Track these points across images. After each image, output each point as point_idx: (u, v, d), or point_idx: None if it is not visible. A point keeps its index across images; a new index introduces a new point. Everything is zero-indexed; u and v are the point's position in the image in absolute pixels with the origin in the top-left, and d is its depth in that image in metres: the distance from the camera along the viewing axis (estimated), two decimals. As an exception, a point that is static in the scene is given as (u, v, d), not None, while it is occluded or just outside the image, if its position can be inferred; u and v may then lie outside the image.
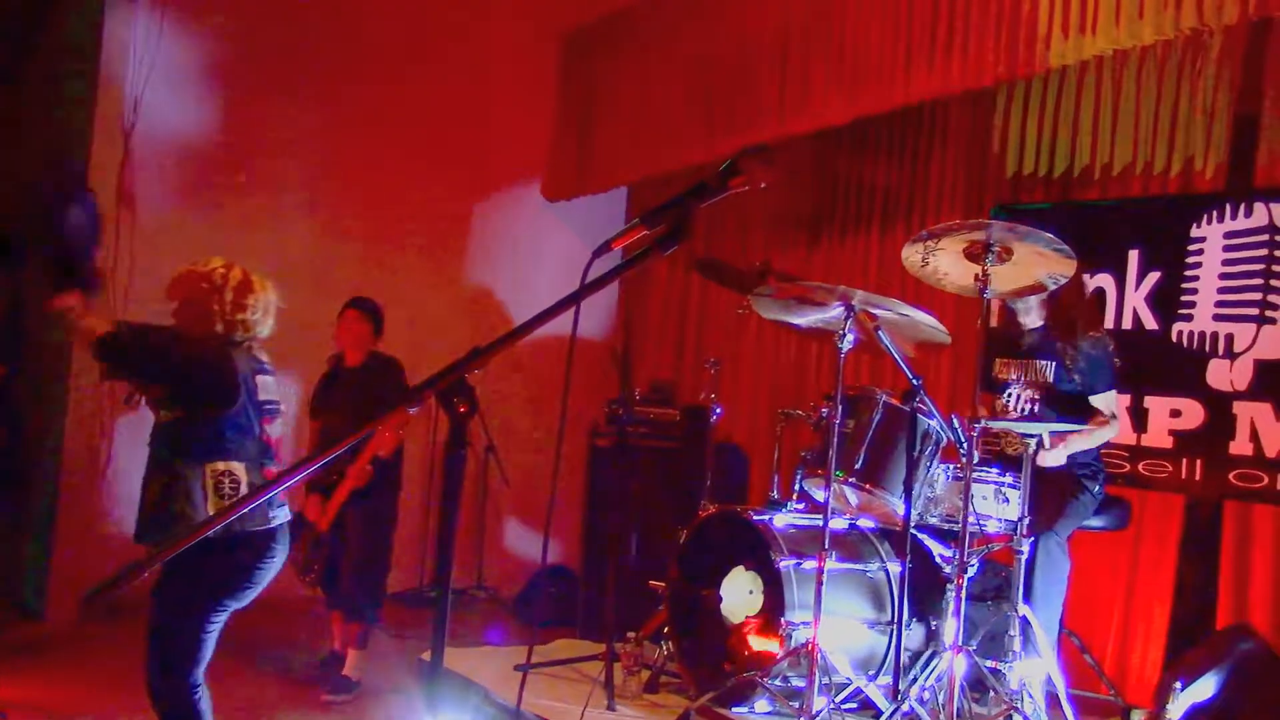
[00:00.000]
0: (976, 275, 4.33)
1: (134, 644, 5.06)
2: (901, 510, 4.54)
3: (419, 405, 3.77)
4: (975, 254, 4.34)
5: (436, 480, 8.34)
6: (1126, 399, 5.49)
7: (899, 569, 4.65)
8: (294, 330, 7.63)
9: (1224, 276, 5.45)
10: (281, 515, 3.93)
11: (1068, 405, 4.91)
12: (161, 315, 5.67)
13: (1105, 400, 4.94)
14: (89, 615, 6.65)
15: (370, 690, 5.56)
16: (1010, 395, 5.00)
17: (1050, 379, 4.91)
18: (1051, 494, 4.82)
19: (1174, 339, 5.58)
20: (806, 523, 4.90)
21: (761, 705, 4.69)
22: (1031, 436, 4.44)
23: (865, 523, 5.05)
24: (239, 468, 3.86)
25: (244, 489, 3.83)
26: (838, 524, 4.86)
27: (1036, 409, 4.96)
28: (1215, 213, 5.49)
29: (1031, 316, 5.03)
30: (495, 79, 8.61)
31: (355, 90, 8.13)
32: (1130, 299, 5.76)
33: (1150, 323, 5.68)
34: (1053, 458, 4.74)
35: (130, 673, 5.70)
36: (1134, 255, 5.77)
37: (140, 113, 7.38)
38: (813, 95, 6.44)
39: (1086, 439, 4.86)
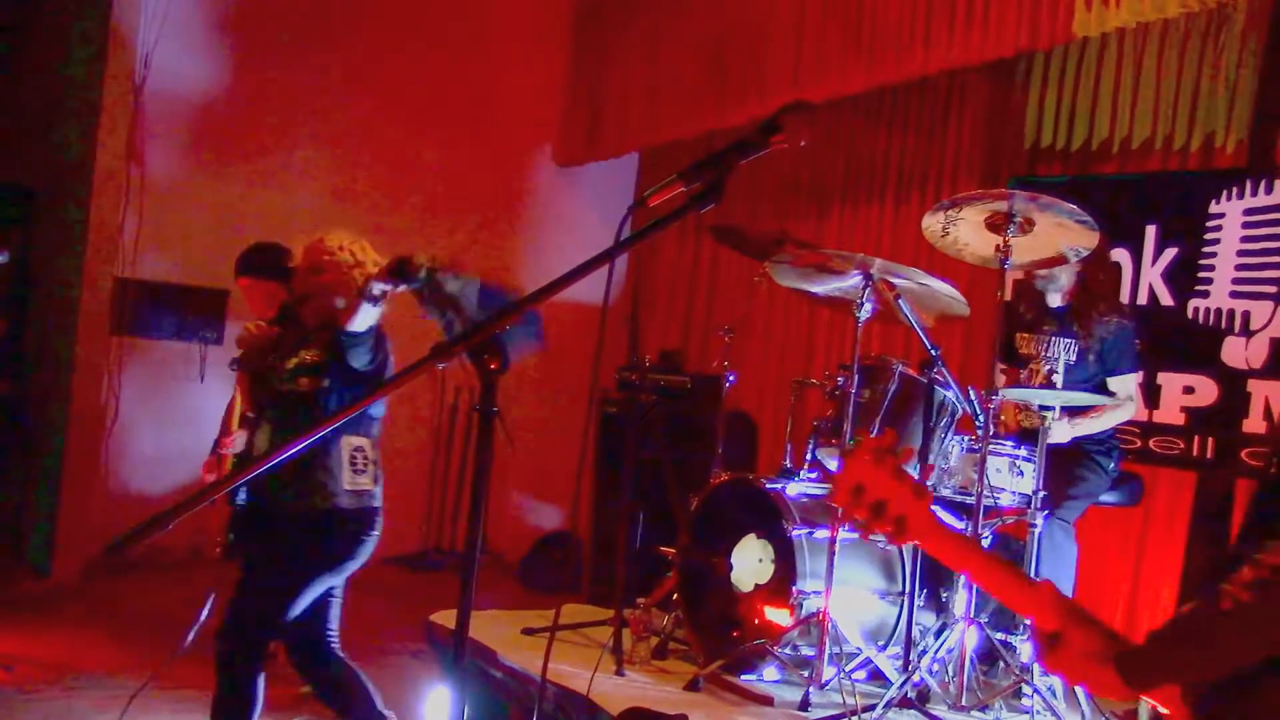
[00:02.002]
0: (997, 246, 4.30)
1: (139, 600, 5.11)
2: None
3: (448, 362, 3.78)
4: (997, 224, 4.31)
5: (441, 445, 8.34)
6: (1139, 375, 5.47)
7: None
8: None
9: (1242, 254, 5.41)
10: (379, 493, 3.93)
11: (1083, 387, 4.88)
12: (167, 273, 5.67)
13: (1123, 382, 4.91)
14: (94, 572, 6.66)
15: (382, 651, 5.56)
16: (1029, 371, 4.97)
17: (1071, 358, 4.87)
18: (1061, 472, 4.78)
19: (1190, 315, 5.55)
20: (819, 492, 4.89)
21: (770, 673, 4.68)
22: (1049, 409, 4.41)
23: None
24: (368, 444, 3.90)
25: (371, 467, 3.86)
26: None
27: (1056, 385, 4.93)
28: (1235, 189, 5.45)
29: (1057, 296, 4.97)
30: (508, 43, 8.55)
31: (367, 52, 8.08)
32: (1146, 274, 5.73)
33: (1166, 299, 5.65)
34: (1059, 432, 4.70)
35: (135, 628, 5.77)
36: (1151, 230, 5.73)
37: (151, 69, 7.34)
38: (829, 63, 6.39)
39: (1096, 421, 4.83)
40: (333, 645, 4.01)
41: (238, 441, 4.86)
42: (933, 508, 1.84)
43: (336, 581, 3.94)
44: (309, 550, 3.82)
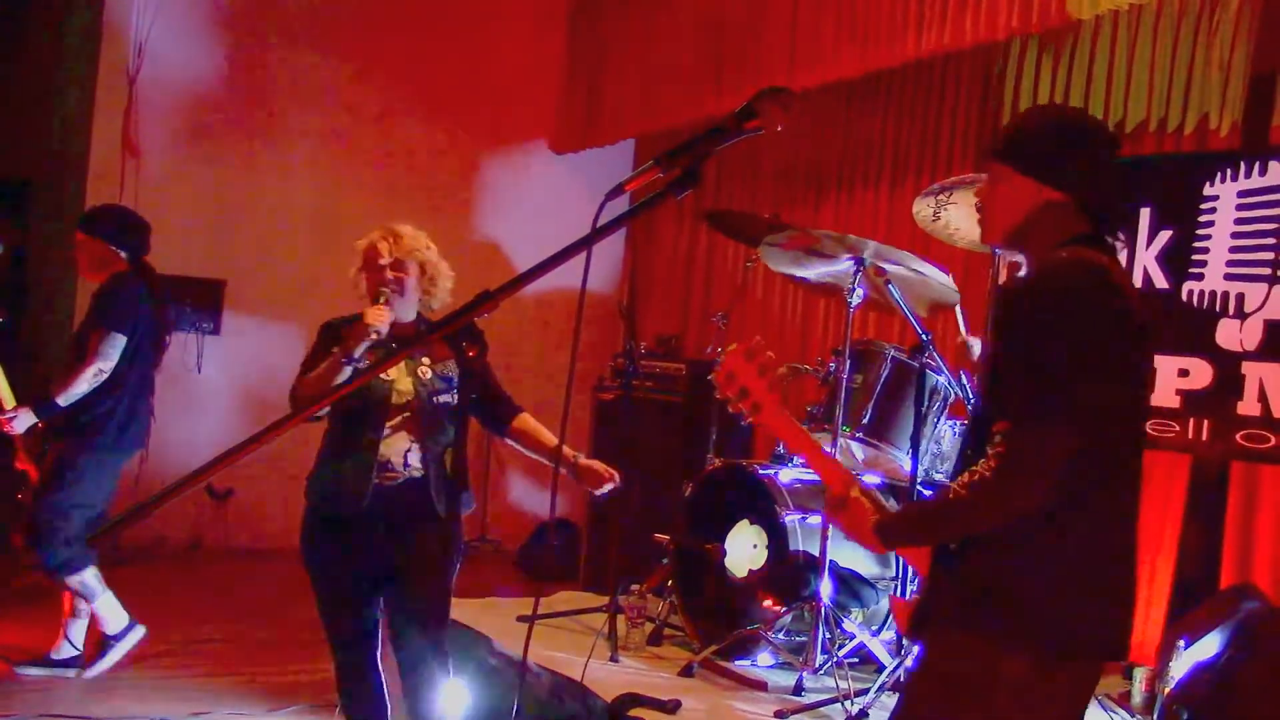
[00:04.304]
0: (988, 230, 4.29)
1: (129, 592, 5.12)
2: (908, 466, 4.53)
3: (428, 350, 3.77)
4: (987, 208, 4.29)
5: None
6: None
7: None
8: (297, 284, 7.68)
9: (1236, 235, 5.39)
10: None
11: None
12: (163, 263, 5.65)
13: None
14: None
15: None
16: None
17: None
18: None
19: (1184, 298, 5.53)
20: (812, 477, 4.89)
21: (764, 658, 4.70)
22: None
23: (871, 478, 5.03)
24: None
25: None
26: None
27: None
28: (1229, 171, 5.43)
29: None
30: (504, 31, 8.54)
31: (362, 40, 8.07)
32: (1141, 257, 5.71)
33: (1160, 281, 5.63)
34: None
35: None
36: (1145, 213, 5.71)
37: (145, 58, 7.33)
38: (824, 48, 6.37)
39: None
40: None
41: (21, 420, 4.85)
42: (781, 404, 2.51)
43: None
44: (455, 551, 3.79)
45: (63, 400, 4.86)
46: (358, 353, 3.59)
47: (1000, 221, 2.47)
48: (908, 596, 4.58)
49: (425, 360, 3.77)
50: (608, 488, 3.75)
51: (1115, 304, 2.31)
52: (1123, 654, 2.37)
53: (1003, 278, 5.23)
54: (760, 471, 4.86)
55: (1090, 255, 2.34)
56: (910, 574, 4.61)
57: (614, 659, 4.70)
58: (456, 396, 3.71)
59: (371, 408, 3.72)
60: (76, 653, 5.03)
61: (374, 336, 3.58)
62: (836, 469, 2.50)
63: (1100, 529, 2.29)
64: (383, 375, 3.68)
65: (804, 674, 4.38)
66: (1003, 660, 2.23)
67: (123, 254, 5.12)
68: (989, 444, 2.25)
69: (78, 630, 5.04)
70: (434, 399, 3.75)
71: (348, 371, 3.59)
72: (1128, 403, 2.36)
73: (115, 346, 4.90)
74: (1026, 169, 2.41)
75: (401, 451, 3.76)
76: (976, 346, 4.65)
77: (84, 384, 4.86)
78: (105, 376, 4.90)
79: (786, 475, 4.86)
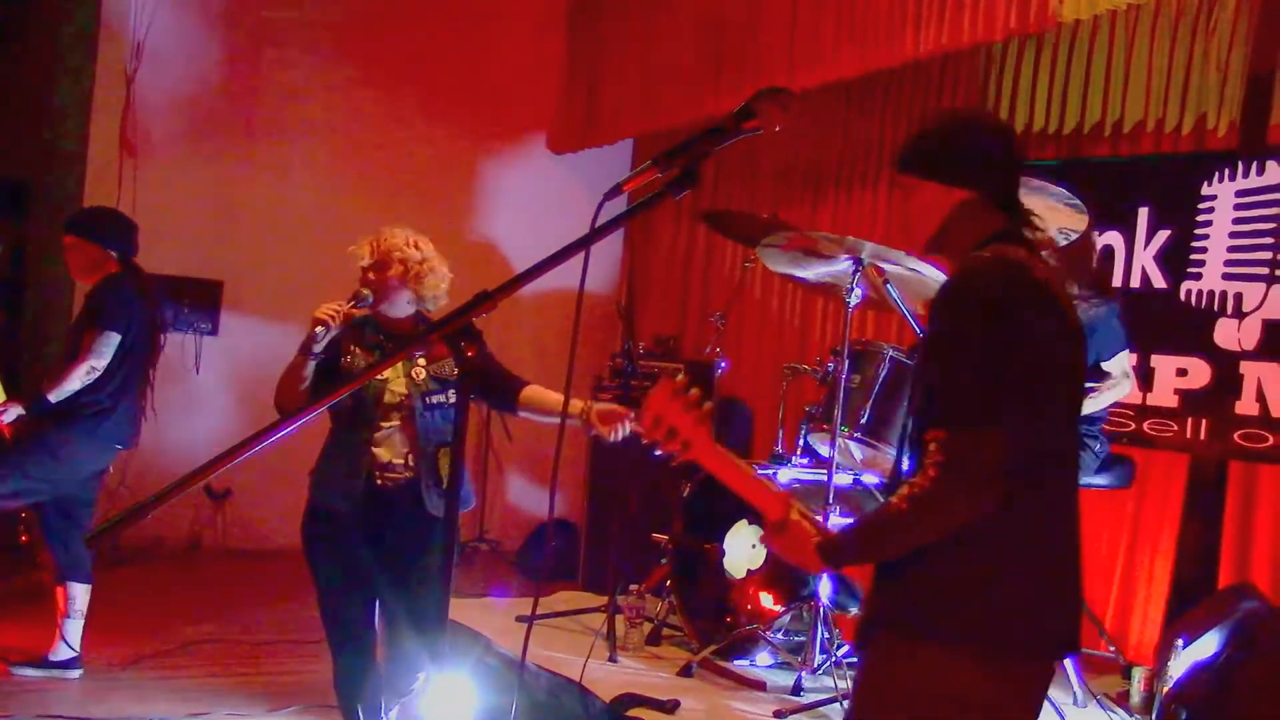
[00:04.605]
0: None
1: (128, 592, 5.13)
2: (906, 466, 4.52)
3: (425, 350, 3.77)
4: (986, 208, 4.29)
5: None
6: (1133, 358, 5.46)
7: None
8: (296, 284, 7.66)
9: (1234, 235, 5.40)
10: None
11: None
12: (160, 264, 5.66)
13: (1116, 362, 4.90)
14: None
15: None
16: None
17: None
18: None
19: (1182, 298, 5.54)
20: (811, 478, 4.89)
21: (763, 658, 4.70)
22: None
23: (869, 478, 5.03)
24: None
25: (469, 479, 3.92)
26: (842, 479, 4.85)
27: None
28: (1227, 171, 5.44)
29: None
30: (503, 30, 8.53)
31: (361, 40, 8.07)
32: (1139, 257, 5.72)
33: (1159, 281, 5.64)
34: None
35: (131, 619, 5.79)
36: (1144, 213, 5.72)
37: (142, 58, 7.32)
38: (823, 48, 6.37)
39: (1095, 400, 4.83)
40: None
41: (10, 412, 4.85)
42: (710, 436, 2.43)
43: None
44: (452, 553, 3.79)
45: (54, 396, 4.88)
46: (316, 348, 3.65)
47: (920, 231, 2.48)
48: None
49: (421, 361, 3.81)
50: (626, 427, 3.70)
51: (1035, 299, 2.29)
52: (1070, 650, 2.38)
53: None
54: (759, 471, 4.85)
55: (1008, 252, 2.33)
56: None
57: (612, 659, 4.69)
58: (452, 397, 3.76)
59: (365, 408, 3.78)
60: (74, 654, 5.03)
61: (320, 331, 3.62)
62: (772, 494, 2.44)
63: (1038, 528, 2.28)
64: (378, 375, 3.72)
65: (803, 674, 4.38)
66: (948, 666, 2.22)
67: (113, 255, 5.12)
68: (923, 454, 2.23)
69: (73, 631, 5.04)
70: (426, 399, 3.80)
71: (311, 365, 3.66)
72: (1059, 399, 2.34)
73: (109, 345, 4.92)
74: (926, 174, 2.43)
75: (399, 452, 3.80)
76: None
77: (76, 381, 4.88)
78: (98, 374, 4.92)
79: (785, 475, 4.86)
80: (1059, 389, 2.34)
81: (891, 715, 2.29)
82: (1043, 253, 2.36)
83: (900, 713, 2.27)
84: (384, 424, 3.79)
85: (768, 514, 2.43)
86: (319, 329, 3.62)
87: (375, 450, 3.79)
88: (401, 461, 3.80)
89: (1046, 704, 4.08)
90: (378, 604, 3.89)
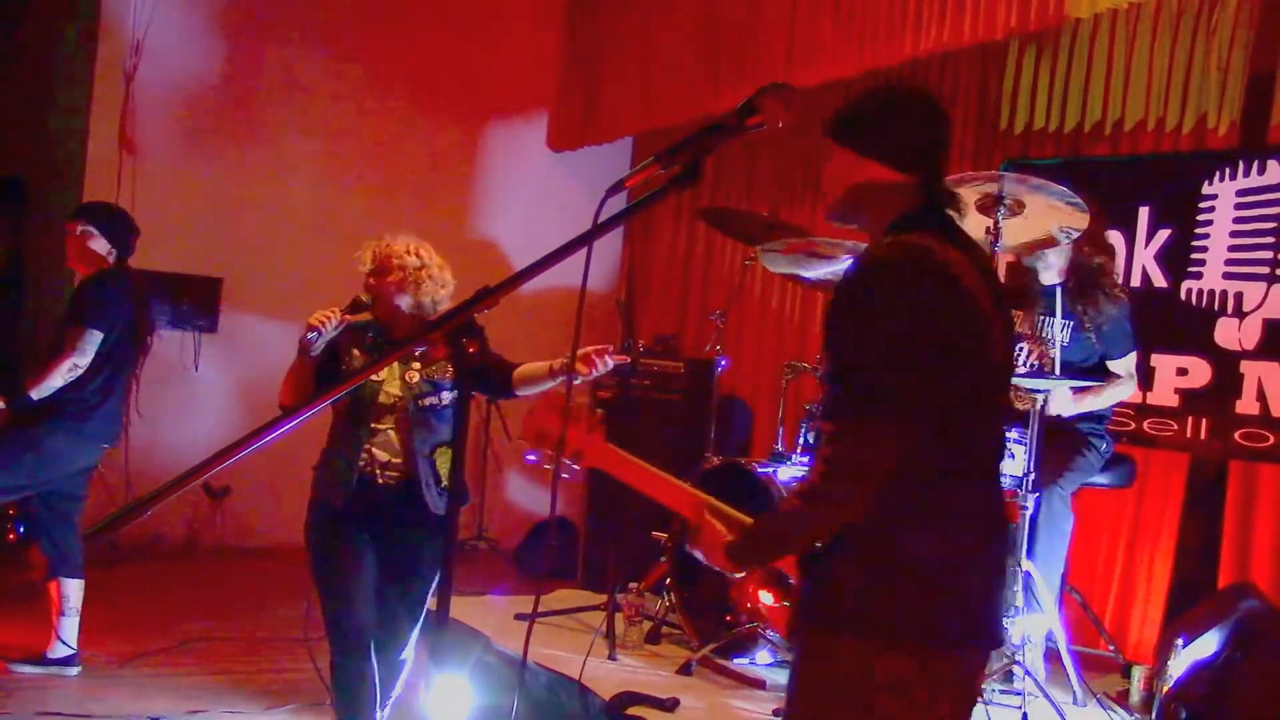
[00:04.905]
0: (988, 228, 4.29)
1: (126, 590, 5.11)
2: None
3: (428, 346, 3.80)
4: (987, 206, 4.29)
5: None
6: (1136, 354, 5.46)
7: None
8: (295, 282, 7.66)
9: (1235, 234, 5.40)
10: None
11: (1078, 367, 4.86)
12: (159, 261, 5.65)
13: (1123, 363, 4.89)
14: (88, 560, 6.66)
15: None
16: (1021, 350, 4.95)
17: (1066, 339, 4.85)
18: (1058, 449, 4.79)
19: (1183, 297, 5.54)
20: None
21: (763, 656, 4.69)
22: (1040, 392, 4.40)
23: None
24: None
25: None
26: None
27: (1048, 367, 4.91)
28: (1228, 170, 5.43)
29: (1051, 274, 4.92)
30: (502, 28, 8.52)
31: (361, 37, 8.06)
32: (1139, 256, 5.71)
33: (1159, 280, 5.64)
34: (1062, 404, 4.68)
35: (129, 617, 5.79)
36: (1144, 212, 5.72)
37: (142, 56, 7.31)
38: (822, 47, 6.37)
39: (1098, 398, 4.83)
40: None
41: None
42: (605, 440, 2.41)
43: None
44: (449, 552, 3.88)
45: (35, 394, 4.87)
46: (313, 351, 3.75)
47: (828, 195, 2.48)
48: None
49: (416, 365, 3.89)
50: (608, 361, 3.70)
51: (936, 289, 2.22)
52: (996, 641, 2.36)
53: (1000, 272, 5.24)
54: (759, 469, 4.85)
55: (912, 238, 2.27)
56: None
57: (612, 657, 4.69)
58: (445, 398, 3.86)
59: (360, 407, 3.87)
60: (72, 651, 5.02)
61: (313, 335, 3.72)
62: (684, 495, 2.41)
63: (952, 518, 2.23)
64: (374, 376, 3.82)
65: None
66: (877, 660, 2.19)
67: (112, 250, 5.12)
68: (817, 447, 2.22)
69: (69, 628, 5.03)
70: (419, 402, 3.88)
71: (312, 366, 3.79)
72: (963, 389, 2.25)
73: (92, 342, 4.90)
74: (841, 140, 2.43)
75: (395, 452, 3.88)
76: (1064, 404, 4.64)
77: (58, 378, 4.87)
78: (80, 372, 4.90)
79: (785, 473, 4.85)
80: (964, 379, 2.25)
81: (825, 709, 2.26)
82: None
83: (833, 707, 2.24)
84: (378, 424, 3.88)
85: (686, 516, 2.42)
86: (310, 334, 3.72)
87: (373, 450, 3.88)
88: (400, 461, 3.87)
89: (1046, 703, 4.10)
90: (376, 603, 3.91)
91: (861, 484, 2.15)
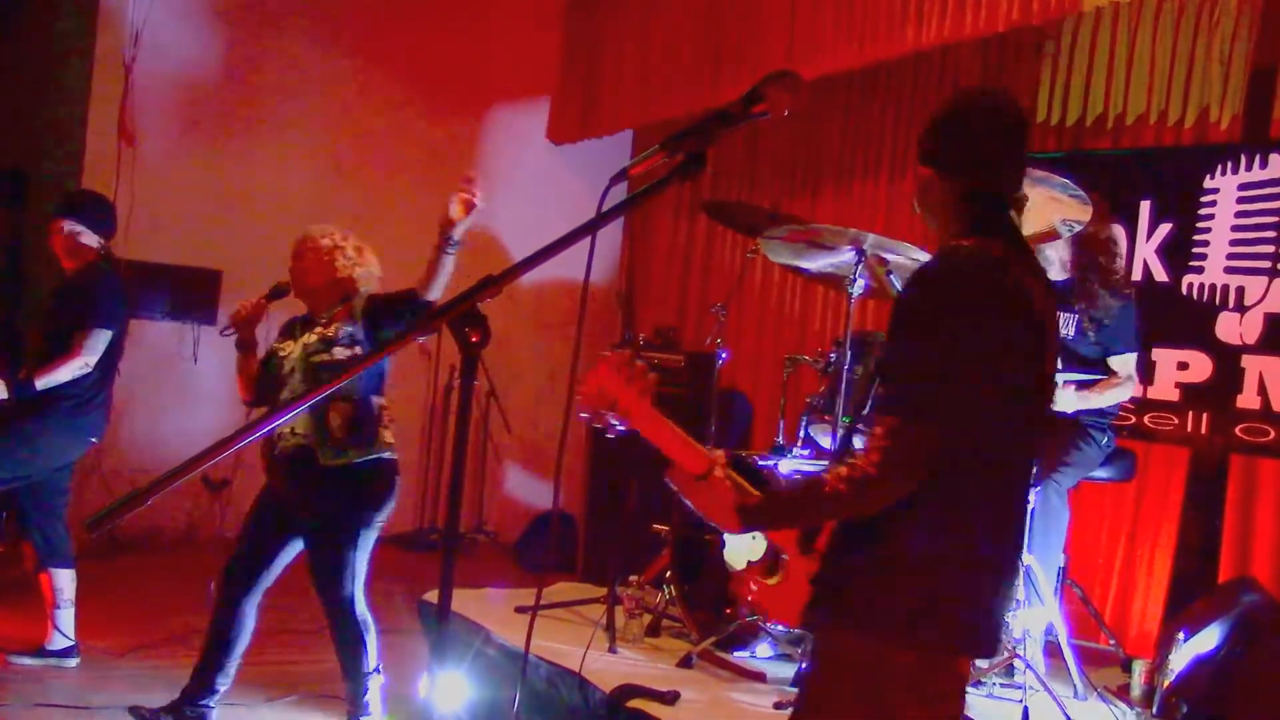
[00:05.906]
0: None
1: (125, 581, 5.10)
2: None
3: (430, 335, 3.81)
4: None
5: (435, 424, 8.34)
6: (1137, 355, 5.45)
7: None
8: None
9: (1236, 229, 5.39)
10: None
11: (1081, 362, 4.84)
12: (159, 253, 5.64)
13: (1123, 362, 4.86)
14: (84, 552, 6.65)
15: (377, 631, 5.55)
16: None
17: (1070, 334, 4.83)
18: (1057, 442, 4.78)
19: (1184, 291, 5.53)
20: (812, 468, 4.87)
21: (763, 650, 4.69)
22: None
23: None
24: (385, 401, 4.30)
25: (391, 424, 4.31)
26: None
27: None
28: (1230, 164, 5.42)
29: (1054, 269, 4.90)
30: (501, 21, 8.51)
31: (361, 29, 8.04)
32: (1141, 250, 5.71)
33: (1160, 274, 5.63)
34: (1066, 401, 4.67)
35: (127, 609, 5.78)
36: (1145, 206, 5.71)
37: (141, 46, 7.29)
38: (822, 40, 6.36)
39: (1100, 396, 4.81)
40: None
41: None
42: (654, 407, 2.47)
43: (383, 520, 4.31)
44: (366, 500, 4.21)
45: (41, 384, 4.84)
46: (243, 345, 4.36)
47: (935, 225, 2.45)
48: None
49: (318, 329, 4.29)
50: (474, 193, 3.95)
51: (1007, 303, 2.24)
52: (973, 654, 2.39)
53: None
54: (760, 462, 4.84)
55: (983, 245, 2.28)
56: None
57: (612, 650, 4.68)
58: (337, 354, 4.18)
59: (271, 382, 4.33)
60: (70, 642, 5.01)
61: (228, 332, 4.40)
62: (699, 450, 2.43)
63: (976, 524, 2.25)
64: (280, 352, 4.35)
65: (803, 665, 4.37)
66: (892, 656, 2.22)
67: (101, 241, 5.10)
68: (870, 438, 2.23)
69: (65, 620, 5.02)
70: (310, 359, 4.22)
71: (250, 359, 4.40)
72: (1010, 403, 2.28)
73: (102, 342, 4.91)
74: (924, 161, 2.42)
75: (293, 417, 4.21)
76: (1065, 400, 4.63)
77: (66, 374, 4.86)
78: (89, 370, 4.90)
79: (786, 466, 4.84)
80: (1013, 392, 2.28)
81: (840, 703, 2.28)
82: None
83: (848, 700, 2.26)
84: (284, 392, 4.25)
85: (689, 468, 2.43)
86: (227, 330, 4.32)
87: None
88: (290, 427, 4.18)
89: (1048, 697, 4.10)
90: (278, 558, 4.35)
91: (907, 484, 2.18)
